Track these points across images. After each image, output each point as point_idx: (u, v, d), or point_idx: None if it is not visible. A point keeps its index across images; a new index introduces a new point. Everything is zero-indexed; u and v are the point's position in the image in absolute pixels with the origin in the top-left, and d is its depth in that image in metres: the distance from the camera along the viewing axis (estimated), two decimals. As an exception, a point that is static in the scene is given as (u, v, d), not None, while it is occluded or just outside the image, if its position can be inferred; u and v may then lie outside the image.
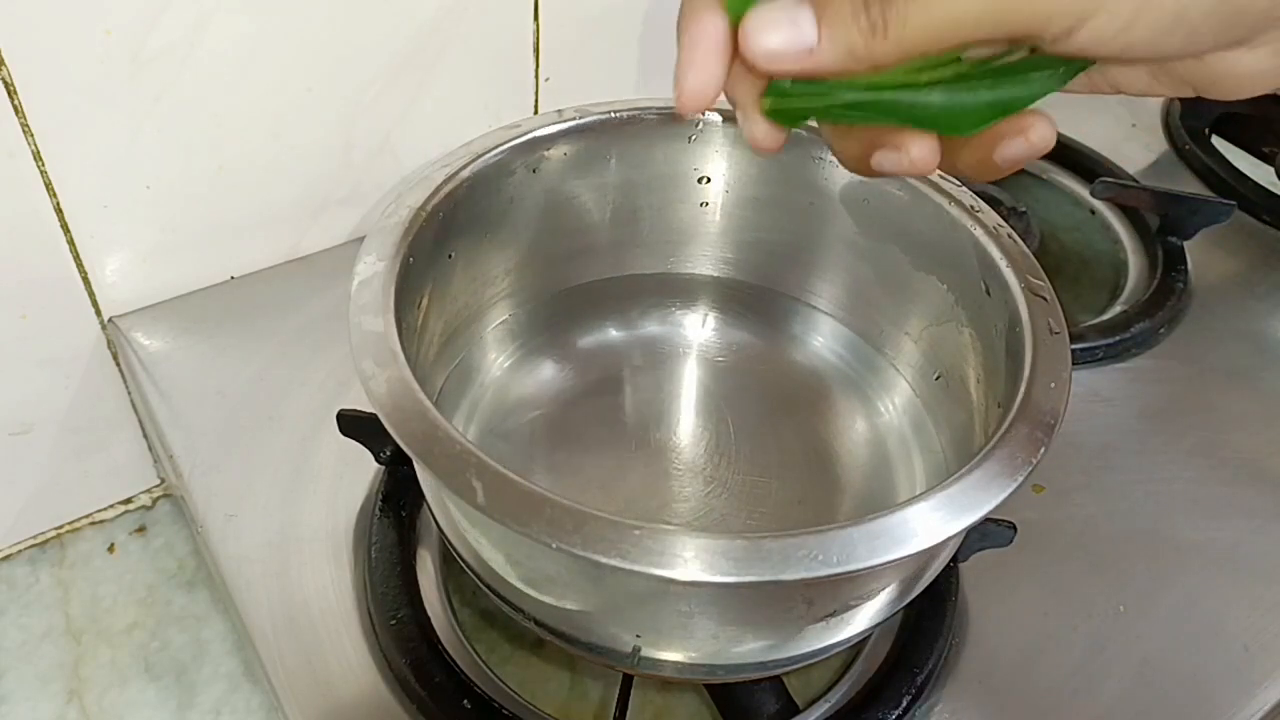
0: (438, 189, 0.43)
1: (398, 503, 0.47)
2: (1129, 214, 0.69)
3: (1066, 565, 0.49)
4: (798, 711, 0.43)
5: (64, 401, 0.55)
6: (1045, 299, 0.41)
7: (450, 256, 0.45)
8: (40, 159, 0.48)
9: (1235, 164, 0.74)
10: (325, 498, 0.49)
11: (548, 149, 0.48)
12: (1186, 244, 0.66)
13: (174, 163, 0.52)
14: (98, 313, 0.54)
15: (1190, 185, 0.73)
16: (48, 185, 0.48)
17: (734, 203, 0.52)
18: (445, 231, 0.44)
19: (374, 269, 0.39)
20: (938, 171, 0.47)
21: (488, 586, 0.40)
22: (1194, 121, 0.77)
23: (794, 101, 0.30)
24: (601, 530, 0.31)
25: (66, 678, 0.52)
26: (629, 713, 0.42)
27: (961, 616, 0.46)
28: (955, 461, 0.46)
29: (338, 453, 0.50)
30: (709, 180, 0.51)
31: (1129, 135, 0.77)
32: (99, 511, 0.59)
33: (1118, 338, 0.59)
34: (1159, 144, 0.77)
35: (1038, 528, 0.50)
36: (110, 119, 0.48)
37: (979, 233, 0.44)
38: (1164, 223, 0.66)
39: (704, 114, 0.49)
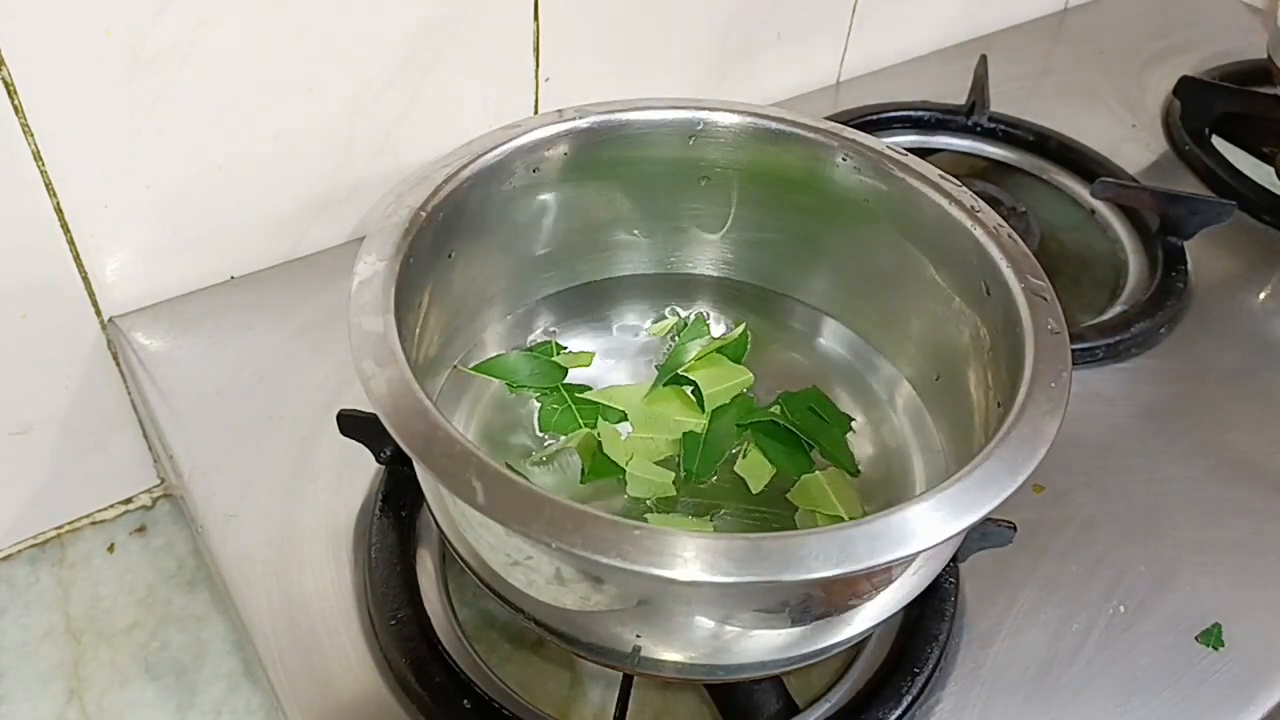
0: (438, 189, 0.43)
1: (398, 503, 0.47)
2: (1129, 214, 0.69)
3: (1066, 565, 0.49)
4: (798, 711, 0.43)
5: (64, 401, 0.55)
6: (1045, 299, 0.41)
7: (450, 256, 0.45)
8: (40, 159, 0.48)
9: (1235, 164, 0.74)
10: (325, 498, 0.49)
11: (548, 149, 0.48)
12: (1186, 244, 0.66)
13: (174, 163, 0.52)
14: (98, 313, 0.54)
15: (1190, 185, 0.73)
16: (48, 185, 0.48)
17: (734, 202, 0.52)
18: (445, 231, 0.44)
19: (374, 269, 0.39)
20: (938, 171, 0.47)
21: (488, 586, 0.40)
22: (1194, 121, 0.77)
23: None
24: (601, 530, 0.31)
25: (66, 678, 0.52)
26: (629, 713, 0.42)
27: (961, 616, 0.46)
28: (955, 461, 0.46)
29: (338, 453, 0.50)
30: (709, 180, 0.51)
31: (1129, 135, 0.77)
32: (99, 511, 0.59)
33: (1118, 338, 0.59)
34: (1159, 144, 0.77)
35: (1038, 528, 0.50)
36: (110, 119, 0.49)
37: (979, 233, 0.44)
38: (1164, 223, 0.66)
39: (704, 114, 0.49)
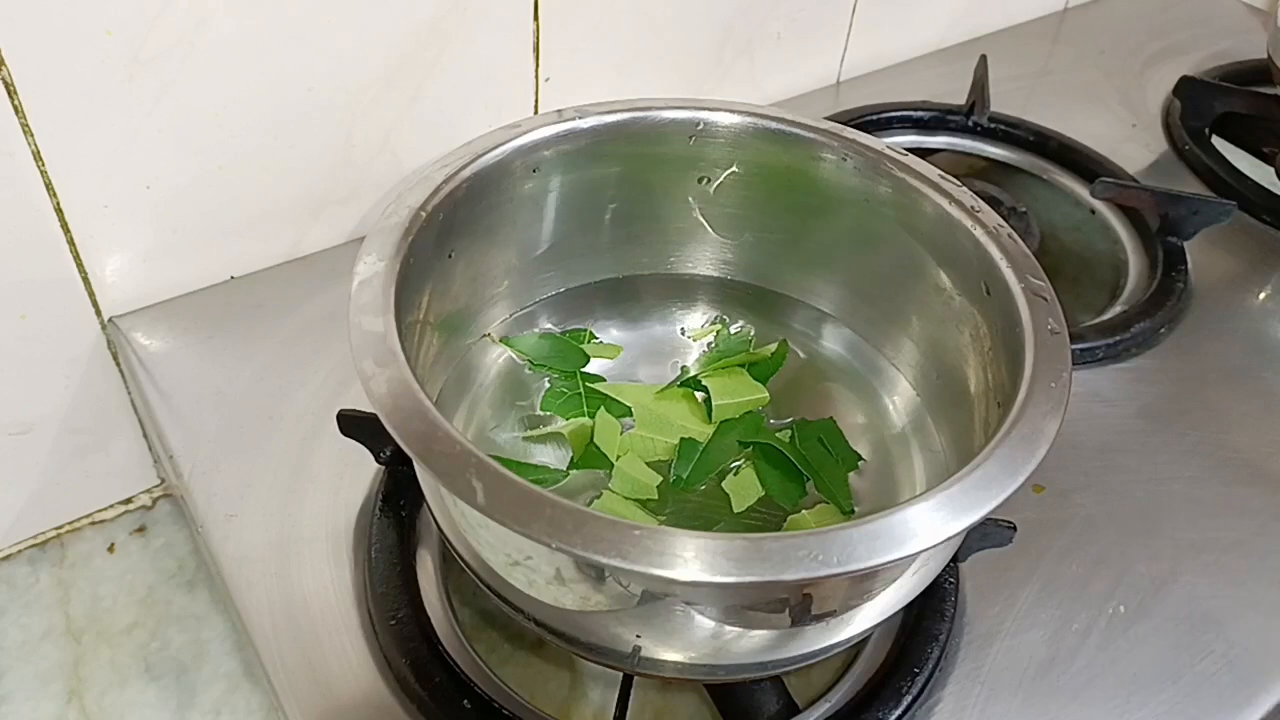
0: (438, 189, 0.43)
1: (398, 503, 0.47)
2: (1129, 214, 0.69)
3: (1066, 565, 0.49)
4: (798, 711, 0.43)
5: (64, 401, 0.55)
6: (1045, 299, 0.41)
7: (450, 256, 0.45)
8: (40, 159, 0.48)
9: (1235, 164, 0.74)
10: (325, 498, 0.49)
11: (548, 149, 0.48)
12: (1186, 244, 0.66)
13: (174, 163, 0.52)
14: (98, 313, 0.54)
15: (1190, 185, 0.73)
16: (48, 185, 0.48)
17: (734, 202, 0.52)
18: (445, 231, 0.44)
19: (374, 269, 0.39)
20: (938, 171, 0.47)
21: (488, 586, 0.40)
22: (1194, 121, 0.77)
23: None
24: (601, 530, 0.31)
25: (66, 678, 0.52)
26: (629, 713, 0.42)
27: (961, 616, 0.46)
28: (955, 461, 0.46)
29: (338, 453, 0.50)
30: (709, 180, 0.51)
31: (1129, 135, 0.77)
32: (99, 511, 0.59)
33: (1118, 338, 0.59)
34: (1159, 144, 0.77)
35: (1038, 528, 0.50)
36: (110, 119, 0.49)
37: (979, 233, 0.44)
38: (1164, 223, 0.66)
39: (703, 114, 0.49)
